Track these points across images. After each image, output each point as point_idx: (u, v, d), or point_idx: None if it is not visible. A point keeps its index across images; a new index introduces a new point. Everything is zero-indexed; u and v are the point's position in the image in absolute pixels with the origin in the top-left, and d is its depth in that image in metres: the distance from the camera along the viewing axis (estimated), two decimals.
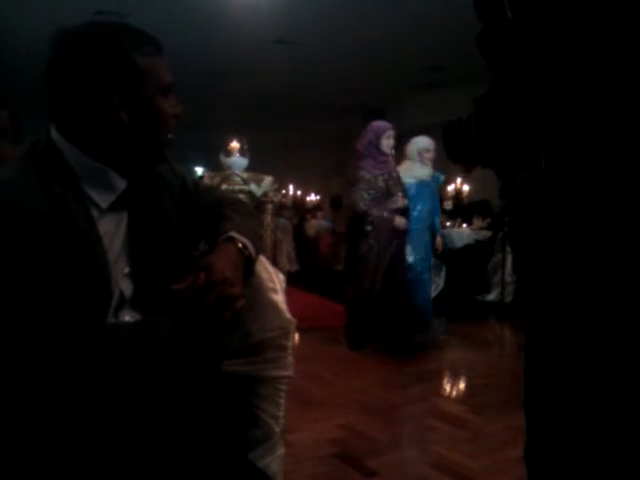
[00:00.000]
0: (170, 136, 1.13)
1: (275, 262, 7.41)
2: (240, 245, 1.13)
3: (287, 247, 8.90)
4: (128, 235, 1.12)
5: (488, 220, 7.02)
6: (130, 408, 0.99)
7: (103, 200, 1.07)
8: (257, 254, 1.19)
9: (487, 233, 6.79)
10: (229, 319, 1.05)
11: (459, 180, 9.07)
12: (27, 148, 1.07)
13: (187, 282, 1.04)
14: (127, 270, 1.11)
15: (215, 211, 1.25)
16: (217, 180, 4.57)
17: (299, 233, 9.63)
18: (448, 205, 7.99)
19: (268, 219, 7.19)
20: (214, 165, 4.88)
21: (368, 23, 6.74)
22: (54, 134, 1.07)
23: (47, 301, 0.95)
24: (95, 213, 1.06)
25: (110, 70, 1.02)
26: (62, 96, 1.04)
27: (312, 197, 11.70)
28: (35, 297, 0.94)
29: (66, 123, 1.06)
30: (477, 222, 7.25)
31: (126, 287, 1.10)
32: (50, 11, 6.08)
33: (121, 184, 1.10)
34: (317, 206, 10.76)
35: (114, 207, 1.09)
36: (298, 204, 10.99)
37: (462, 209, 7.90)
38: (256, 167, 4.83)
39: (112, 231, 1.09)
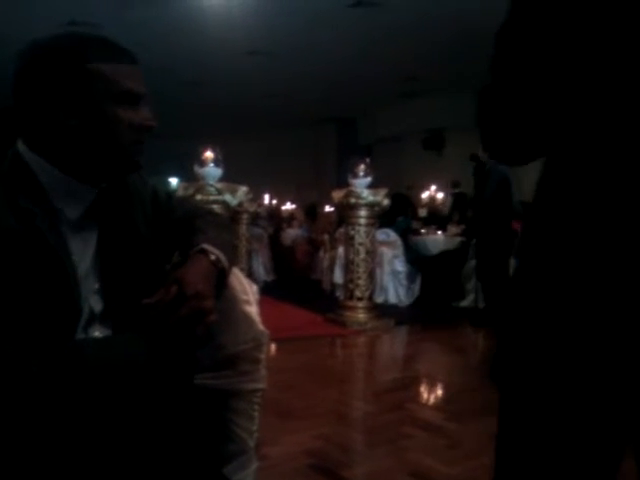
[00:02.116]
0: (138, 146, 1.09)
1: (251, 272, 7.38)
2: (213, 257, 1.12)
3: (263, 257, 8.87)
4: (98, 249, 1.10)
5: (462, 227, 7.09)
6: (99, 425, 0.97)
7: (71, 212, 1.06)
8: (230, 266, 1.18)
9: (461, 239, 6.85)
10: (201, 333, 1.04)
11: (433, 187, 9.16)
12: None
13: (158, 296, 1.02)
14: (97, 285, 1.09)
15: (188, 223, 1.24)
16: (191, 191, 4.54)
17: (275, 242, 9.61)
18: (423, 212, 8.07)
19: (243, 229, 7.19)
20: (189, 176, 4.85)
21: (341, 35, 6.80)
22: (21, 146, 1.06)
23: (13, 317, 0.93)
24: (64, 227, 1.05)
25: (57, 76, 1.01)
26: (23, 106, 1.04)
27: (288, 206, 11.71)
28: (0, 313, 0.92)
29: (30, 134, 1.05)
30: (452, 229, 7.32)
31: (96, 303, 1.09)
32: (24, 22, 6.01)
33: (90, 195, 1.08)
34: (292, 215, 10.76)
35: (84, 220, 1.08)
36: (274, 213, 10.97)
37: (436, 216, 7.97)
38: (231, 177, 4.81)
39: (82, 245, 1.08)
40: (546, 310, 0.71)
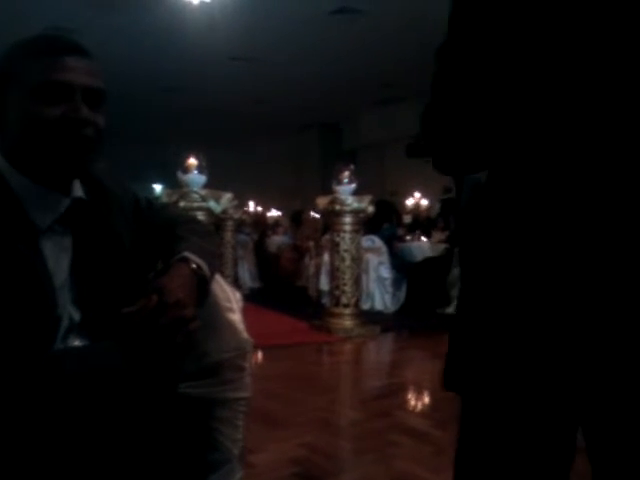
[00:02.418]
0: (71, 142, 1.01)
1: (237, 279, 7.34)
2: (194, 266, 1.11)
3: (248, 264, 8.84)
4: (74, 258, 1.08)
5: (447, 233, 7.11)
6: (79, 436, 0.94)
7: (43, 221, 1.04)
8: (212, 274, 1.16)
9: (445, 246, 6.87)
10: (182, 342, 1.02)
11: (418, 194, 9.20)
12: None
13: (139, 305, 1.00)
14: (75, 294, 1.07)
15: (170, 230, 1.22)
16: (175, 197, 4.52)
17: (260, 249, 9.58)
18: (407, 219, 8.09)
19: (228, 236, 7.15)
20: (173, 183, 4.83)
21: (323, 41, 6.82)
22: None
23: None
24: (38, 235, 1.02)
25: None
26: None
27: (272, 213, 11.69)
28: None
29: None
30: (436, 235, 7.34)
31: (74, 311, 1.07)
32: (4, 26, 5.95)
33: (63, 203, 1.06)
34: (277, 222, 10.75)
35: (58, 228, 1.06)
36: (259, 220, 10.95)
37: (421, 222, 8.00)
38: (215, 184, 4.79)
39: (57, 253, 1.05)
40: (491, 314, 0.73)
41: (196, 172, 4.62)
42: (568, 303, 0.66)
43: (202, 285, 1.12)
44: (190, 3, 5.21)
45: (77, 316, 1.07)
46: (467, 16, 0.72)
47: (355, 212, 5.12)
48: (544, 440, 0.75)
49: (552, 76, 0.67)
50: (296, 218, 10.58)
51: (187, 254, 1.12)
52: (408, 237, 7.31)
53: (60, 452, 0.93)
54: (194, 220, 1.35)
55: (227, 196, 4.78)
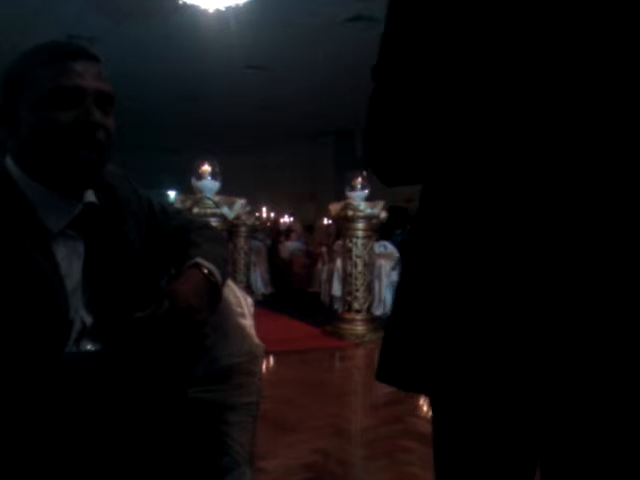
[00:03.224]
0: (85, 145, 1.03)
1: (249, 284, 7.37)
2: (206, 271, 1.12)
3: (261, 269, 8.86)
4: (86, 261, 1.10)
5: None
6: (89, 441, 0.96)
7: (55, 225, 1.05)
8: (224, 280, 1.18)
9: None
10: (193, 347, 1.03)
11: None
12: None
13: (151, 310, 1.02)
14: (87, 298, 1.09)
15: (182, 236, 1.24)
16: (189, 203, 4.55)
17: (273, 255, 9.60)
18: None
19: (241, 242, 7.18)
20: (187, 189, 4.87)
21: (338, 49, 6.83)
22: (9, 161, 1.07)
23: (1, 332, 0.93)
24: (50, 240, 1.04)
25: (8, 91, 1.03)
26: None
27: (285, 219, 11.73)
28: None
29: (13, 151, 1.06)
30: None
31: (86, 315, 1.08)
32: (21, 36, 6.05)
33: (75, 208, 1.08)
34: (290, 228, 10.78)
35: (70, 233, 1.08)
36: (272, 226, 10.98)
37: None
38: (229, 190, 4.82)
39: (69, 258, 1.07)
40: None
41: (210, 178, 4.66)
42: (534, 303, 0.65)
43: (214, 291, 1.13)
44: (206, 12, 5.26)
45: (89, 320, 1.09)
46: (399, 33, 0.76)
47: (368, 218, 5.13)
48: (506, 443, 0.75)
49: (483, 89, 0.68)
50: (309, 226, 10.62)
51: (199, 260, 1.13)
52: None
53: (69, 456, 0.94)
54: (206, 226, 1.37)
55: (240, 202, 4.81)
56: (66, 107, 1.00)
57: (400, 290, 0.79)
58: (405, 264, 0.79)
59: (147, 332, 1.01)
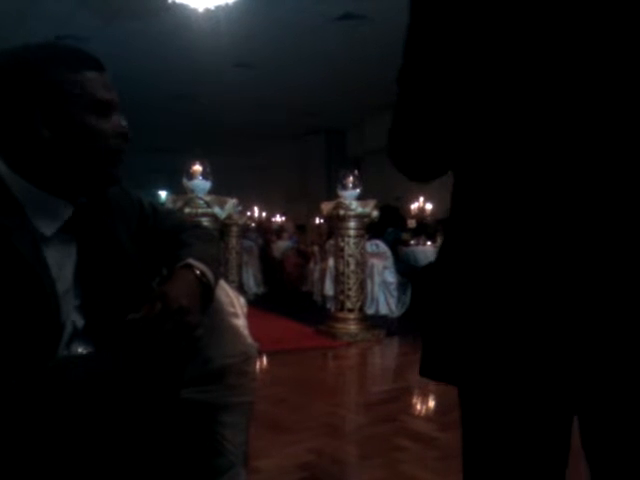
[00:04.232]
0: (117, 156, 1.09)
1: (242, 284, 7.35)
2: (198, 272, 1.11)
3: (253, 269, 8.84)
4: (78, 264, 1.08)
5: None
6: (82, 443, 0.95)
7: (48, 228, 1.04)
8: (216, 280, 1.17)
9: None
10: (186, 348, 1.02)
11: (422, 199, 9.21)
12: None
13: (143, 312, 1.01)
14: (79, 301, 1.08)
15: (174, 236, 1.23)
16: (180, 203, 4.54)
17: (265, 255, 9.59)
18: (412, 223, 8.09)
19: (233, 241, 7.16)
20: (179, 189, 4.85)
21: (328, 47, 6.83)
22: None
23: None
24: (41, 242, 1.03)
25: (29, 88, 1.00)
26: None
27: (277, 218, 11.72)
28: None
29: (6, 150, 1.04)
30: (441, 240, 7.33)
31: (78, 318, 1.07)
32: (9, 37, 6.00)
33: (67, 210, 1.07)
34: (282, 227, 10.77)
35: (62, 235, 1.06)
36: (264, 226, 10.97)
37: (425, 227, 7.99)
38: (220, 190, 4.81)
39: (61, 260, 1.06)
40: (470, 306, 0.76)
41: (201, 178, 4.64)
42: (563, 295, 0.68)
43: (206, 291, 1.12)
44: (195, 11, 5.24)
45: (81, 323, 1.08)
46: (421, 40, 0.77)
47: (359, 217, 5.13)
48: (539, 431, 0.77)
49: (508, 90, 0.71)
50: (300, 226, 10.62)
51: (191, 261, 1.12)
52: (412, 241, 7.31)
53: (63, 459, 0.94)
54: (198, 226, 1.36)
55: (232, 202, 4.80)
56: (99, 117, 1.05)
57: (436, 287, 0.82)
58: (439, 265, 0.83)
59: (139, 334, 1.00)
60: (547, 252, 0.68)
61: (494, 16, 0.71)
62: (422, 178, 0.89)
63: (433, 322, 0.80)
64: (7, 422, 0.89)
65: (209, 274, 1.13)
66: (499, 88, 0.72)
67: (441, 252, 0.84)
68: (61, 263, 1.06)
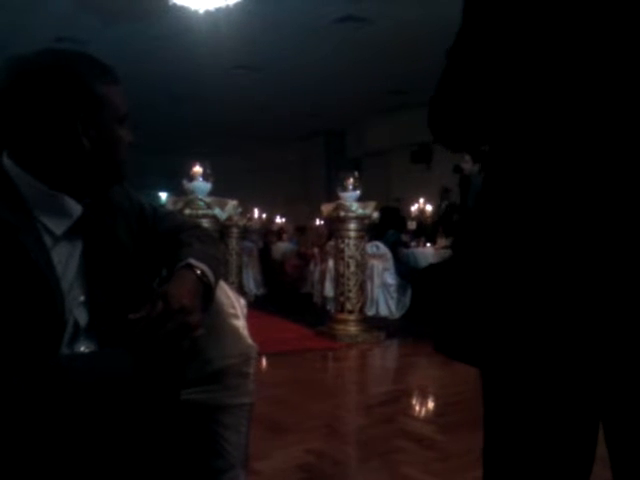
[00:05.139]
0: (125, 163, 1.15)
1: (242, 286, 7.35)
2: (199, 272, 1.12)
3: (253, 270, 8.85)
4: (83, 263, 1.09)
5: (451, 239, 7.10)
6: (83, 442, 0.95)
7: (57, 227, 1.06)
8: (217, 280, 1.17)
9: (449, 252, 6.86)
10: (187, 348, 1.03)
11: (422, 200, 9.21)
12: None
13: (144, 311, 1.02)
14: (82, 298, 1.08)
15: (174, 237, 1.23)
16: (180, 205, 4.54)
17: (265, 256, 9.59)
18: (412, 225, 8.08)
19: (233, 243, 7.17)
20: (179, 190, 4.86)
21: (328, 49, 6.84)
22: (6, 161, 1.05)
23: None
24: (48, 240, 1.04)
25: (71, 98, 1.03)
26: (17, 122, 1.03)
27: (277, 220, 11.72)
28: None
29: (20, 149, 1.05)
30: (441, 241, 7.33)
31: (81, 316, 1.08)
32: (9, 38, 6.01)
33: (76, 210, 1.09)
34: (282, 229, 10.77)
35: (69, 234, 1.08)
36: (264, 227, 10.97)
37: (425, 229, 7.99)
38: (220, 192, 4.81)
39: (65, 258, 1.07)
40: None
41: (201, 179, 4.65)
42: (585, 295, 0.69)
43: (207, 291, 1.13)
44: (196, 13, 5.24)
45: (84, 321, 1.08)
46: (475, 20, 0.82)
47: (360, 218, 5.13)
48: (564, 427, 0.78)
49: (550, 74, 0.74)
50: (301, 227, 10.63)
51: (191, 261, 1.13)
52: (413, 243, 7.31)
53: (64, 457, 0.94)
54: (198, 227, 1.36)
55: (232, 203, 4.81)
56: (122, 127, 1.12)
57: (455, 267, 0.85)
58: (460, 246, 0.86)
59: (141, 333, 1.01)
60: (581, 237, 0.69)
61: (537, 7, 0.74)
62: (457, 147, 0.94)
63: (455, 300, 0.83)
64: (8, 419, 0.89)
65: (209, 274, 1.13)
66: (532, 75, 0.75)
67: (468, 234, 0.86)
68: (66, 261, 1.07)
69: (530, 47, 0.75)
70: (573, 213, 0.70)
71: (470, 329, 0.80)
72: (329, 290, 6.28)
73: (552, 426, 0.77)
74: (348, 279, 5.15)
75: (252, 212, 10.59)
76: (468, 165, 5.03)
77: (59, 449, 0.94)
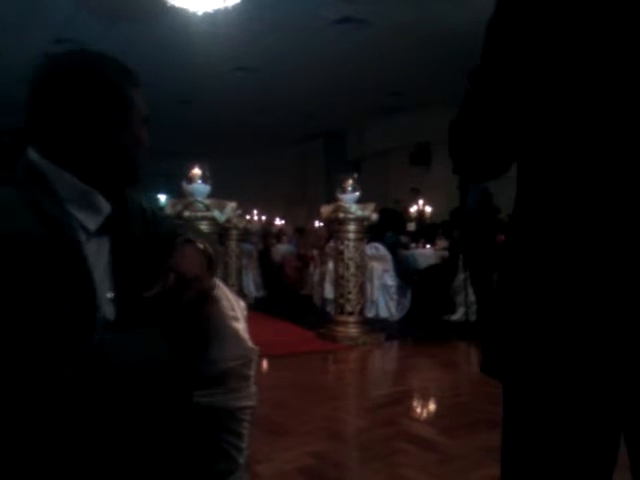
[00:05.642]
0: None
1: (241, 288, 7.34)
2: (200, 246, 1.15)
3: (253, 273, 8.85)
4: (111, 260, 1.10)
5: (449, 241, 7.11)
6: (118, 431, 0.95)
7: (90, 223, 1.07)
8: (216, 258, 1.19)
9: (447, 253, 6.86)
10: (211, 313, 1.08)
11: (421, 202, 9.21)
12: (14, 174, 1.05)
13: (158, 286, 1.04)
14: (110, 295, 1.09)
15: (172, 240, 1.23)
16: (179, 207, 4.54)
17: (265, 258, 9.60)
18: (411, 226, 8.09)
19: (233, 245, 7.16)
20: (178, 193, 4.86)
21: (327, 51, 6.84)
22: (34, 156, 1.05)
23: (43, 327, 0.92)
24: (82, 236, 1.05)
25: (108, 99, 1.07)
26: (56, 121, 1.05)
27: (277, 222, 11.72)
28: (32, 323, 0.90)
29: (54, 146, 1.05)
30: (440, 243, 7.33)
31: (109, 311, 1.08)
32: (9, 38, 6.01)
33: (106, 207, 1.10)
34: (281, 231, 10.78)
35: (98, 231, 1.09)
36: (264, 229, 10.97)
37: (425, 230, 7.99)
38: (220, 194, 4.81)
39: (95, 254, 1.07)
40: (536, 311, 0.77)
41: (200, 182, 4.65)
42: (613, 304, 0.70)
43: (210, 264, 1.16)
44: (195, 14, 5.24)
45: (112, 316, 1.08)
46: (497, 48, 0.81)
47: (359, 220, 5.13)
48: (585, 438, 0.78)
49: (580, 95, 0.74)
50: (300, 229, 10.64)
51: (191, 236, 1.17)
52: (412, 245, 7.31)
53: (100, 442, 0.94)
54: (195, 227, 1.38)
55: (231, 205, 4.80)
56: (144, 129, 1.16)
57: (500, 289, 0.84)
58: (504, 269, 0.85)
59: (165, 306, 1.03)
60: (612, 263, 0.70)
61: (566, 26, 0.74)
62: (480, 177, 0.91)
63: (500, 326, 0.82)
64: (61, 408, 0.89)
65: (210, 248, 1.17)
66: (569, 96, 0.75)
67: (506, 259, 0.85)
68: (96, 257, 1.08)
69: (555, 71, 0.75)
70: (608, 239, 0.70)
71: (502, 345, 0.81)
72: (329, 292, 6.27)
73: (575, 436, 0.78)
74: (348, 281, 5.15)
75: (251, 214, 10.59)
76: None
77: (98, 436, 0.93)
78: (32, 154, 1.06)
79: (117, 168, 1.11)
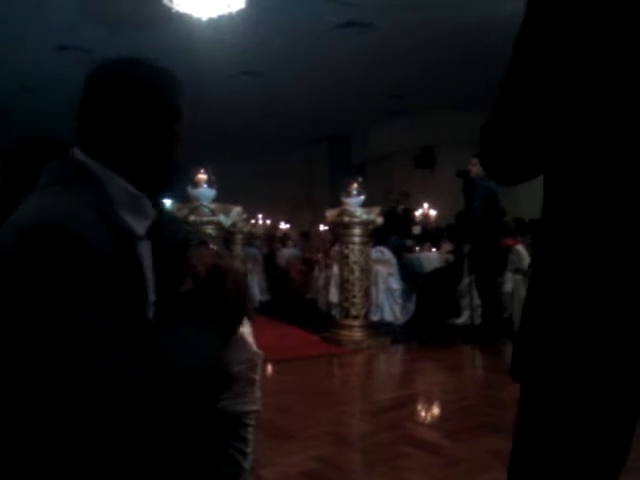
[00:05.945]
0: None
1: None
2: (214, 247, 1.20)
3: (258, 276, 8.86)
4: (154, 264, 1.12)
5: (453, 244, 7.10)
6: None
7: (140, 227, 1.07)
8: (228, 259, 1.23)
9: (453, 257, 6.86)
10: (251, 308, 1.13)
11: (426, 205, 9.21)
12: (52, 173, 1.05)
13: (191, 280, 1.10)
14: (154, 298, 1.10)
15: (187, 243, 1.25)
16: (185, 212, 4.55)
17: (270, 262, 9.61)
18: (416, 230, 8.08)
19: (238, 249, 7.17)
20: (183, 197, 4.87)
21: (331, 54, 6.85)
22: (83, 157, 1.04)
23: (121, 329, 0.92)
24: (136, 242, 1.06)
25: (167, 107, 1.11)
26: (111, 127, 1.05)
27: (282, 226, 11.73)
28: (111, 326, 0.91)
29: (107, 149, 1.05)
30: (445, 246, 7.32)
31: (152, 314, 1.09)
32: (14, 45, 6.05)
33: (152, 212, 1.11)
34: (286, 235, 10.79)
35: (145, 235, 1.10)
36: (269, 233, 10.98)
37: (430, 233, 7.99)
38: (225, 198, 4.82)
39: (143, 259, 1.09)
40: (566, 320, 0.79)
41: (205, 186, 4.66)
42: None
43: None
44: (199, 20, 5.26)
45: (154, 319, 1.10)
46: (529, 58, 0.82)
47: (364, 224, 5.13)
48: (602, 433, 0.79)
49: (611, 102, 0.76)
50: (305, 233, 10.65)
51: (205, 239, 1.22)
52: (417, 248, 7.30)
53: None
54: (202, 232, 1.39)
55: (236, 209, 4.81)
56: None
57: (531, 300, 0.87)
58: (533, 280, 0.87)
59: (199, 301, 1.06)
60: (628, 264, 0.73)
61: (599, 34, 0.76)
62: (511, 180, 0.92)
63: (531, 332, 0.84)
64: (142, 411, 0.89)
65: (221, 249, 1.21)
66: (602, 102, 0.76)
67: (536, 264, 0.87)
68: (146, 262, 1.10)
69: (589, 80, 0.77)
70: None
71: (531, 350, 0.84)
72: (334, 296, 6.27)
73: (604, 447, 0.80)
74: (353, 285, 5.16)
75: (256, 218, 10.61)
76: (475, 168, 5.01)
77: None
78: (79, 154, 1.05)
79: (164, 175, 1.13)
